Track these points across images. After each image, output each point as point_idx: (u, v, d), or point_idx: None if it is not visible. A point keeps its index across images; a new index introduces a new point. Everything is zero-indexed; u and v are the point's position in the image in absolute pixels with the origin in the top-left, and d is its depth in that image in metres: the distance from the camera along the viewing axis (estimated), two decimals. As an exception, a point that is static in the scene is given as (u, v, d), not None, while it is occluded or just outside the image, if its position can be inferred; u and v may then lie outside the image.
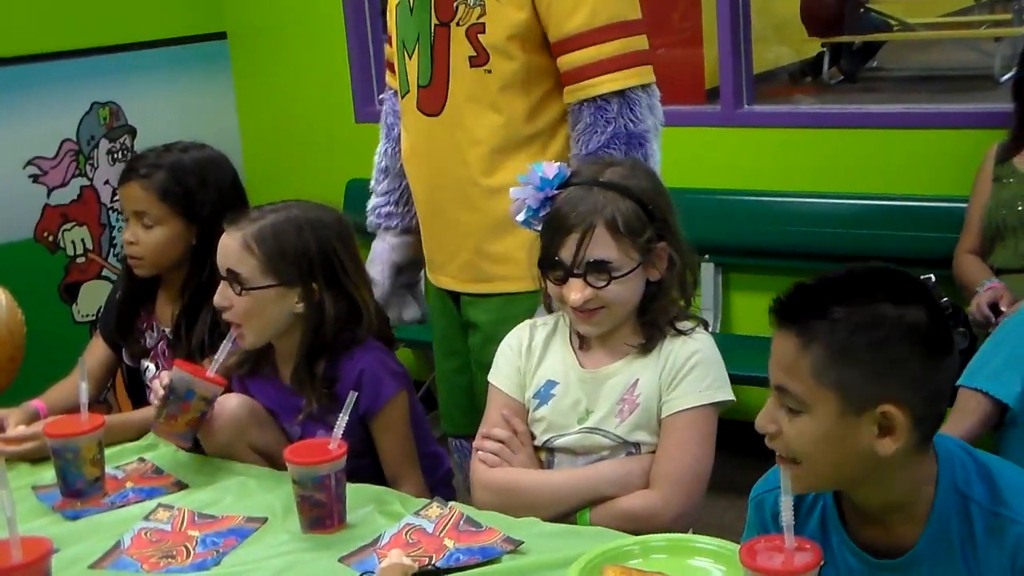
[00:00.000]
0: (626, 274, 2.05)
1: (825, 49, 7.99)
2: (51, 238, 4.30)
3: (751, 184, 4.06)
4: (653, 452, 2.12)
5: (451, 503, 2.15)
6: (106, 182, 4.30)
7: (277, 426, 2.47)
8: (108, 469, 2.39)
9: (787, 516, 1.52)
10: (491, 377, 2.25)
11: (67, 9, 4.20)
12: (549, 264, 2.10)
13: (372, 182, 2.96)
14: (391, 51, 2.86)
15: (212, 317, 2.56)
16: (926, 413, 1.56)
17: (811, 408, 1.55)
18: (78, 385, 2.40)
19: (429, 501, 2.17)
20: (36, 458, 2.46)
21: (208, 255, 2.57)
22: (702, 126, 4.24)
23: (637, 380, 2.11)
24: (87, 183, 4.36)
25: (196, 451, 2.47)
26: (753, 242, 4.01)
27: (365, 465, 2.37)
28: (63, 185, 4.31)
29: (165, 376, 2.40)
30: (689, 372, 2.10)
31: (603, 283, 2.05)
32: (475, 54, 2.58)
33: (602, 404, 2.14)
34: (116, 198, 4.18)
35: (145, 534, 2.16)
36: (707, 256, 4.06)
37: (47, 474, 2.40)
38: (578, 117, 2.54)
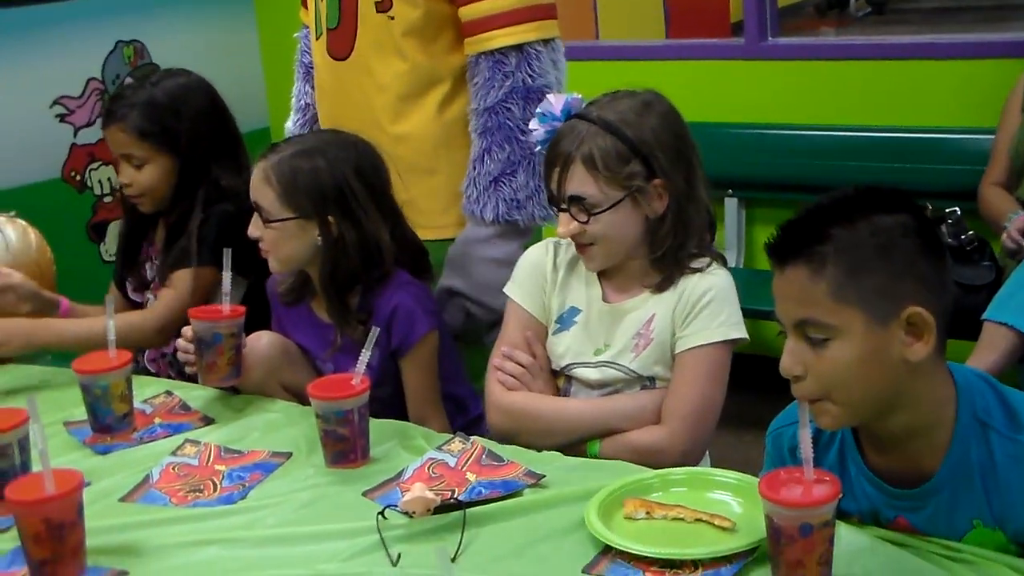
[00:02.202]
0: (605, 210, 2.06)
1: (852, -20, 7.94)
2: (78, 177, 4.31)
3: (775, 118, 4.04)
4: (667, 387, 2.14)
5: (473, 438, 2.16)
6: None
7: (309, 364, 2.50)
8: (136, 404, 2.42)
9: (806, 449, 1.53)
10: (509, 291, 2.25)
11: None
12: (547, 195, 2.13)
13: (289, 122, 2.98)
14: None
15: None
16: (943, 310, 1.57)
17: (839, 331, 1.55)
18: (105, 322, 2.41)
19: (452, 436, 2.18)
20: None
21: (195, 181, 2.63)
22: (726, 59, 4.22)
23: (653, 315, 2.12)
24: None
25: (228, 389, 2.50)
26: (777, 176, 3.99)
27: (389, 401, 2.38)
28: (89, 124, 4.31)
29: (188, 331, 2.42)
30: (703, 309, 2.10)
31: (584, 218, 2.07)
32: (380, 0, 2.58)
33: (619, 338, 2.16)
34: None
35: (173, 468, 2.19)
36: (730, 191, 4.06)
37: (78, 410, 2.41)
38: (476, 70, 2.56)
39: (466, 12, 2.55)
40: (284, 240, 2.37)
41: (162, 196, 2.70)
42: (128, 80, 4.32)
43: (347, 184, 2.37)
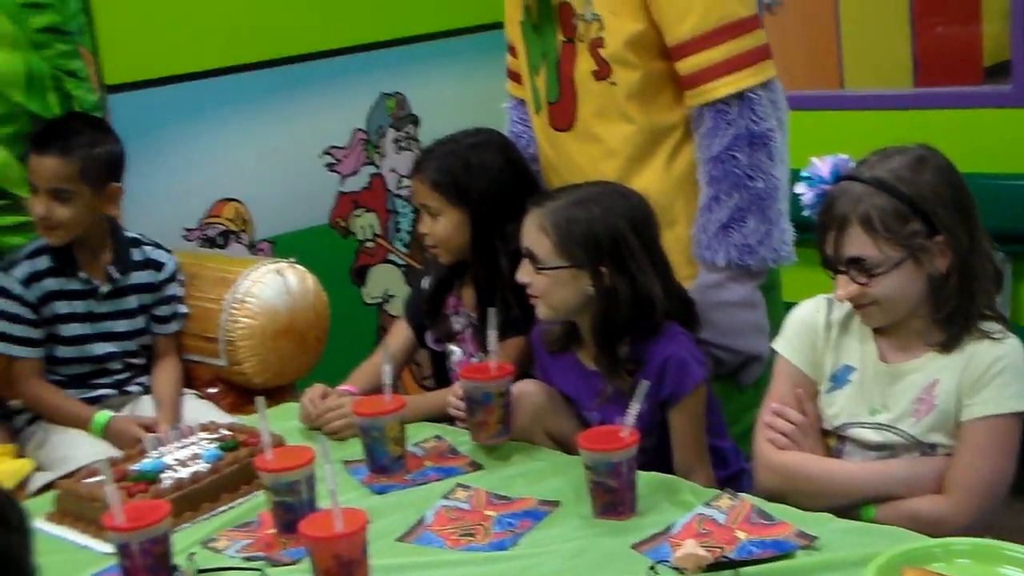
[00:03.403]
0: (887, 271, 2.02)
1: None
2: (343, 224, 4.38)
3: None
4: (948, 455, 2.07)
5: (742, 495, 2.13)
6: (392, 170, 4.37)
7: (573, 413, 2.50)
8: (408, 447, 2.49)
9: None
10: (778, 346, 2.23)
11: (356, 6, 4.26)
12: (822, 258, 2.10)
13: None
14: (514, 61, 2.91)
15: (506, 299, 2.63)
16: None
17: None
18: (381, 367, 2.49)
19: (720, 491, 2.16)
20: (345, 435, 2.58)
21: (489, 238, 2.64)
22: (983, 107, 4.09)
23: (936, 380, 2.06)
24: (376, 171, 4.42)
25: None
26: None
27: (655, 453, 2.37)
28: (354, 173, 4.39)
29: (458, 389, 2.48)
30: (994, 378, 2.03)
31: (863, 280, 2.03)
32: (597, 68, 2.60)
33: (898, 401, 2.11)
34: (401, 186, 4.31)
35: (446, 512, 2.23)
36: (995, 245, 3.94)
37: (353, 450, 2.49)
38: (700, 121, 2.55)
39: (684, 66, 2.56)
40: (556, 288, 2.39)
41: (457, 247, 2.73)
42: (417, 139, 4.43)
43: (621, 235, 2.36)
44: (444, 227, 2.72)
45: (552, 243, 2.36)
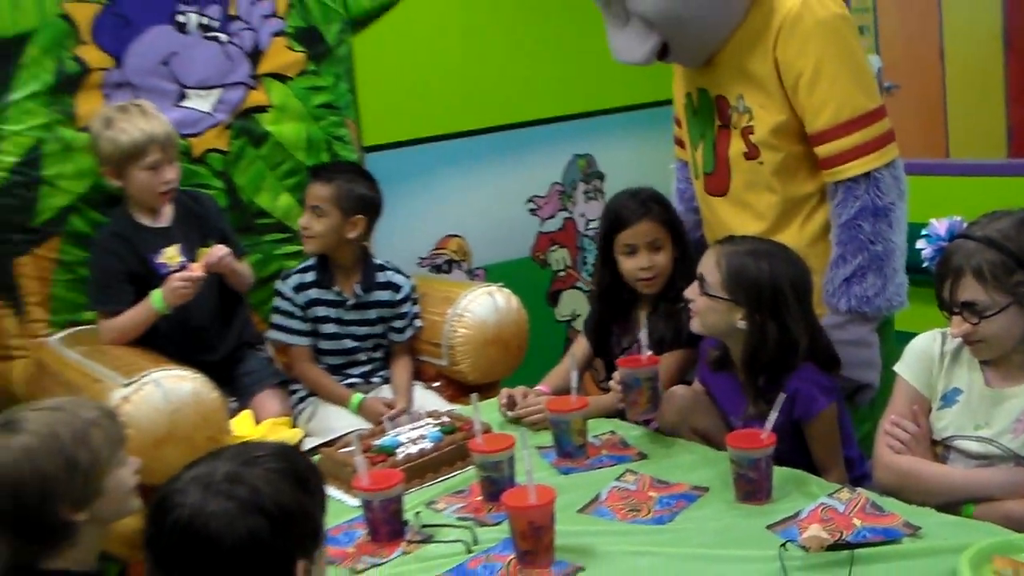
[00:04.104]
0: (995, 313, 1.94)
1: None
2: (541, 257, 4.38)
3: None
4: None
5: (859, 489, 2.08)
6: (582, 215, 4.36)
7: (715, 413, 2.45)
8: (588, 438, 2.45)
9: None
10: (899, 369, 2.16)
11: (555, 85, 4.25)
12: (938, 302, 2.03)
13: None
14: (679, 131, 2.86)
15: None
16: None
17: None
18: (569, 372, 2.48)
19: (841, 487, 2.10)
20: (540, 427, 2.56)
21: (690, 271, 2.53)
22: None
23: None
24: (568, 215, 4.40)
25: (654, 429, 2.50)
26: None
27: (788, 456, 2.29)
28: (551, 217, 4.38)
29: (617, 375, 2.44)
30: None
31: (975, 321, 1.96)
32: (747, 150, 2.54)
33: (1000, 420, 2.03)
34: (588, 228, 4.28)
35: (617, 491, 2.20)
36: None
37: (545, 439, 2.48)
38: (834, 194, 2.47)
39: (822, 151, 2.48)
40: (711, 312, 2.33)
41: (665, 278, 2.68)
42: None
43: (781, 291, 2.28)
44: (665, 259, 2.67)
45: (722, 277, 2.30)
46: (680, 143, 2.95)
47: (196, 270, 2.78)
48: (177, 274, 2.77)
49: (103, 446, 1.78)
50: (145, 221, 2.90)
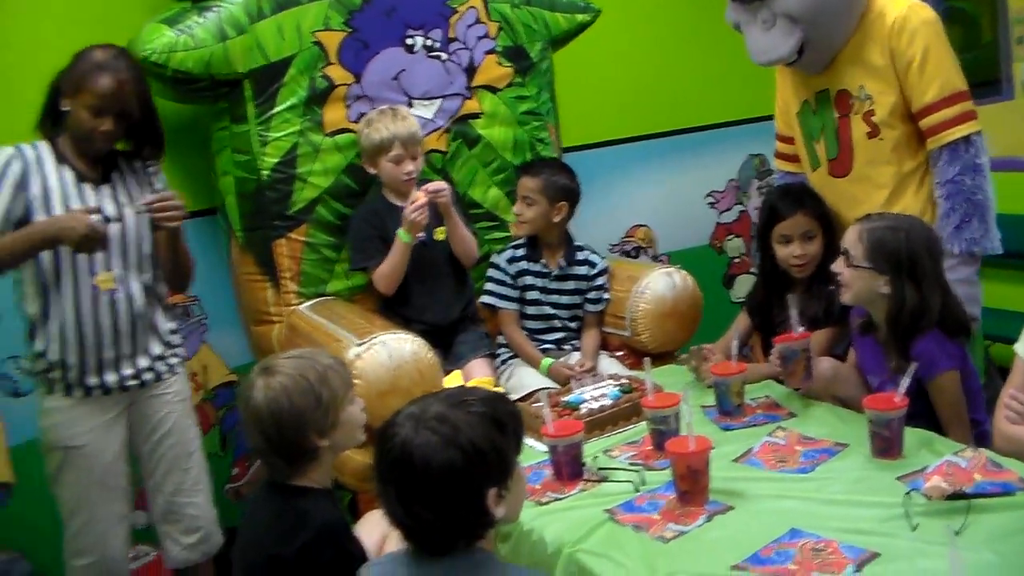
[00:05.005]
0: None
1: None
2: (718, 245, 4.40)
3: None
4: None
5: (980, 449, 2.08)
6: (755, 208, 4.28)
7: (856, 382, 2.49)
8: (746, 399, 2.52)
9: None
10: (1018, 348, 2.16)
11: (732, 91, 4.26)
12: None
13: None
14: (784, 146, 3.01)
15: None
16: None
17: None
18: (731, 341, 2.60)
19: (964, 447, 2.12)
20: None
21: (832, 256, 2.60)
22: None
23: None
24: (743, 208, 4.40)
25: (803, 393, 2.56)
26: None
27: (919, 414, 2.31)
28: (728, 210, 4.39)
29: (775, 351, 2.48)
30: None
31: None
32: (870, 130, 2.69)
33: None
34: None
35: (769, 445, 2.28)
36: None
37: (708, 399, 2.55)
38: (938, 158, 2.62)
39: (927, 121, 2.66)
40: (858, 280, 2.38)
41: (815, 264, 2.76)
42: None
43: (918, 257, 2.33)
44: (816, 248, 2.76)
45: (865, 249, 2.36)
46: (783, 157, 3.10)
47: (419, 199, 2.95)
48: (409, 207, 2.94)
49: (339, 387, 1.90)
50: (396, 202, 3.08)
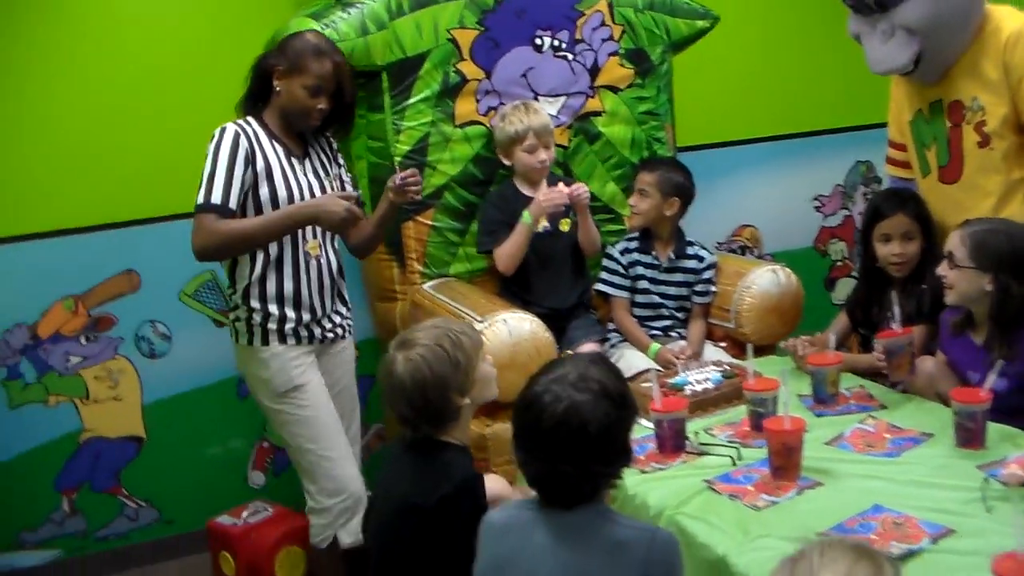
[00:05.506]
0: None
1: None
2: (822, 248, 4.43)
3: None
4: None
5: None
6: (860, 213, 4.25)
7: (955, 380, 2.54)
8: (841, 389, 2.59)
9: None
10: None
11: (842, 99, 4.26)
12: None
13: None
14: (896, 152, 3.07)
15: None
16: None
17: None
18: (829, 336, 2.68)
19: None
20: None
21: (933, 258, 2.72)
22: None
23: None
24: (848, 213, 4.42)
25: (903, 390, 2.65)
26: None
27: (1012, 410, 2.37)
28: (833, 214, 4.43)
29: (879, 345, 2.58)
30: None
31: None
32: (980, 140, 2.74)
33: None
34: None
35: (859, 431, 2.37)
36: None
37: (804, 386, 2.63)
38: None
39: None
40: (963, 280, 2.46)
41: (913, 264, 2.85)
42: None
43: (1019, 253, 2.42)
44: (915, 248, 2.86)
45: (968, 250, 2.45)
46: (894, 163, 3.18)
47: (559, 194, 3.14)
48: (545, 197, 3.11)
49: (471, 348, 2.04)
50: (525, 191, 3.27)
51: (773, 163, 4.31)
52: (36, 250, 3.41)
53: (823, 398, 2.57)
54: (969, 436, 2.21)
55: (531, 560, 1.70)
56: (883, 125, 3.30)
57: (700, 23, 3.65)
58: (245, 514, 3.31)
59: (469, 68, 3.31)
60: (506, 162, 3.33)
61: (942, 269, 2.52)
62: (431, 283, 3.31)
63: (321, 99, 2.70)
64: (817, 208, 4.46)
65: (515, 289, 3.31)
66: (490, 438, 2.86)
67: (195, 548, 3.52)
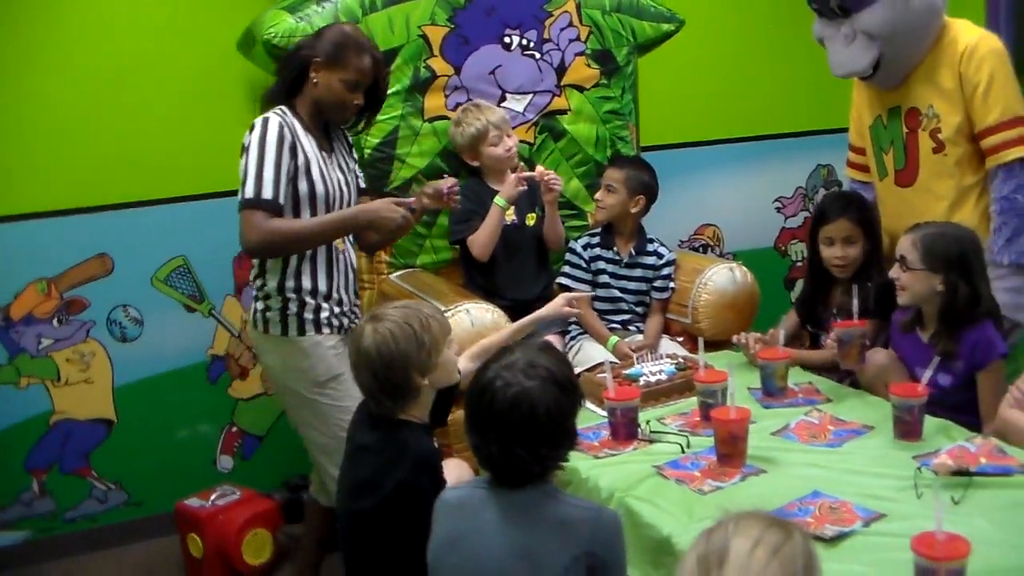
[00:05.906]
0: None
1: None
2: (783, 248, 4.50)
3: None
4: None
5: (989, 436, 2.23)
6: None
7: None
8: (790, 384, 2.64)
9: None
10: None
11: (804, 103, 4.31)
12: None
13: None
14: (855, 156, 3.18)
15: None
16: None
17: None
18: (779, 333, 2.74)
19: (976, 433, 2.27)
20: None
21: (876, 259, 2.83)
22: None
23: None
24: (808, 215, 4.39)
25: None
26: None
27: (956, 404, 2.47)
28: (794, 216, 4.50)
29: (833, 334, 2.66)
30: None
31: None
32: (935, 146, 2.86)
33: None
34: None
35: (804, 423, 2.45)
36: None
37: (753, 380, 2.68)
38: (995, 175, 2.79)
39: (988, 141, 2.83)
40: (916, 282, 2.53)
41: (856, 266, 2.93)
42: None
43: (966, 255, 2.51)
44: (857, 251, 2.94)
45: (919, 254, 2.52)
46: (854, 166, 3.28)
47: (532, 172, 3.22)
48: (515, 176, 3.16)
49: (438, 332, 2.09)
50: (494, 186, 3.31)
51: (736, 165, 4.37)
52: (9, 232, 3.43)
53: (772, 391, 2.63)
54: (907, 429, 2.29)
55: (481, 536, 1.77)
56: (844, 130, 3.39)
57: (666, 26, 3.70)
58: (213, 497, 3.36)
59: (439, 64, 3.36)
60: (473, 164, 3.38)
61: (895, 272, 2.60)
62: (398, 273, 3.36)
63: (358, 94, 2.67)
64: (778, 209, 4.53)
65: (480, 280, 3.38)
66: (452, 424, 2.90)
67: (163, 530, 3.56)
